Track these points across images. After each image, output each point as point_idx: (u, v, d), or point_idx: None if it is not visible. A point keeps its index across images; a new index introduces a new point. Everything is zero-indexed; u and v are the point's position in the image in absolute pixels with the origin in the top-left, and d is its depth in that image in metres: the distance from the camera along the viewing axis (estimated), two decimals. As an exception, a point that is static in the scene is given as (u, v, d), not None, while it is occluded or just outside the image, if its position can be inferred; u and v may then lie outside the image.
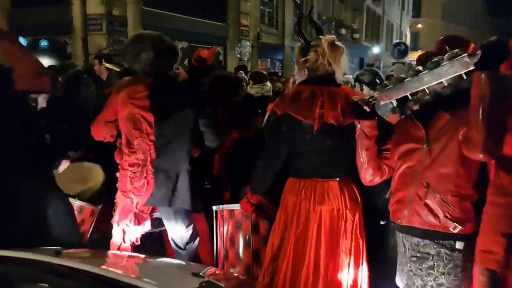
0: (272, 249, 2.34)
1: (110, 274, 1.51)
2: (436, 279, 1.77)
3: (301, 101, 2.18)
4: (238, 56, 12.36)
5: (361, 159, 2.03)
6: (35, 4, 11.10)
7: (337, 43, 2.25)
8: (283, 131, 2.22)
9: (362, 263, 2.29)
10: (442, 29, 44.44)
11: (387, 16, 31.52)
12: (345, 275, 2.24)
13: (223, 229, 2.83)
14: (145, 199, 2.66)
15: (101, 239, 3.12)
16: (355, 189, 2.30)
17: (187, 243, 2.80)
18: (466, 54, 1.58)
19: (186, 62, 3.53)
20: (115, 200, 2.82)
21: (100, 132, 2.75)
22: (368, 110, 1.89)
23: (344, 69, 2.32)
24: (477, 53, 1.54)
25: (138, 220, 2.75)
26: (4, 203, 2.26)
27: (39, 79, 2.48)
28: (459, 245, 1.73)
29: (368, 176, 2.05)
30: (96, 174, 3.45)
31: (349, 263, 2.25)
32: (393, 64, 13.83)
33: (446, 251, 1.75)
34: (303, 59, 2.26)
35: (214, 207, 2.86)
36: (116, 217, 2.76)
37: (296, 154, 2.28)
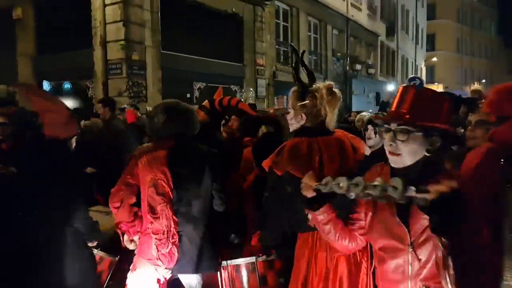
0: None
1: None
2: None
3: (299, 157, 2.14)
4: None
5: (331, 238, 1.80)
6: (59, 50, 11.61)
7: (335, 90, 2.26)
8: (286, 189, 2.17)
9: None
10: (457, 62, 44.57)
11: (401, 51, 31.81)
12: None
13: (230, 285, 2.77)
14: (172, 265, 2.62)
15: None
16: None
17: None
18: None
19: (206, 103, 3.60)
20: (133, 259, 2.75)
21: (119, 197, 2.69)
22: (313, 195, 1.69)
23: (335, 117, 2.30)
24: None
25: (160, 286, 2.70)
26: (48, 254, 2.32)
27: (68, 125, 2.56)
28: None
29: (346, 243, 1.79)
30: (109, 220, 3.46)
31: None
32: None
33: None
34: (300, 104, 2.24)
35: (223, 262, 2.81)
36: (134, 282, 2.68)
37: (302, 208, 2.23)
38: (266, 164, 2.27)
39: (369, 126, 3.04)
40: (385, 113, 3.63)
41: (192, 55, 12.52)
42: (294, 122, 2.32)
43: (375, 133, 2.96)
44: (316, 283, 2.18)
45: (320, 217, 1.74)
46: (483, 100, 2.66)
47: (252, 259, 2.73)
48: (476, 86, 6.93)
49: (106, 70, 11.05)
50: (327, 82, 2.28)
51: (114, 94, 10.99)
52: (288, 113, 2.38)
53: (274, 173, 2.20)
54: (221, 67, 13.68)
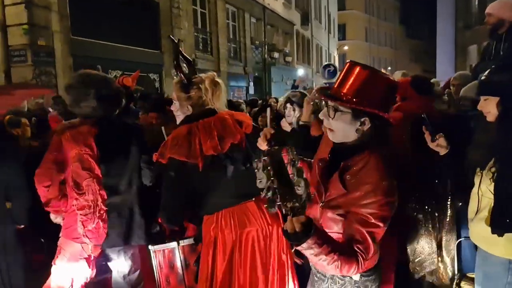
0: (206, 286, 2.29)
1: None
2: None
3: (180, 143, 2.21)
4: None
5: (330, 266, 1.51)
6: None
7: (217, 79, 2.37)
8: (174, 176, 2.23)
9: (288, 279, 2.33)
10: (366, 50, 47.62)
11: (315, 40, 33.12)
12: None
13: (159, 269, 2.80)
14: (100, 241, 2.58)
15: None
16: None
17: (128, 274, 2.79)
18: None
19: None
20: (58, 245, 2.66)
21: (48, 176, 2.59)
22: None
23: (223, 102, 2.39)
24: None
25: (89, 265, 2.64)
26: None
27: None
28: (356, 277, 1.72)
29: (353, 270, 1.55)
30: None
31: (276, 281, 2.29)
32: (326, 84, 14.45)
33: (339, 276, 1.71)
34: (185, 96, 2.32)
35: (150, 247, 2.82)
36: (62, 264, 2.60)
37: (199, 193, 2.29)
38: (154, 158, 2.31)
39: (288, 105, 3.22)
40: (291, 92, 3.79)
41: (106, 42, 11.89)
42: (180, 114, 2.37)
43: (293, 110, 3.14)
44: (221, 263, 2.24)
45: (308, 252, 1.43)
46: None
47: (173, 244, 2.76)
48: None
49: (7, 57, 10.07)
50: (210, 73, 2.38)
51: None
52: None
53: (160, 163, 2.25)
54: (138, 54, 13.17)
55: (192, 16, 16.54)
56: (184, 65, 2.45)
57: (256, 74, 21.93)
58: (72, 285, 2.61)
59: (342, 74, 1.66)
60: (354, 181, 1.61)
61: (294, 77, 25.03)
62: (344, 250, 1.51)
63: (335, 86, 1.65)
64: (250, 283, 2.21)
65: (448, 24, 16.69)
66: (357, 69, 1.62)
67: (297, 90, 4.04)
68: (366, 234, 1.53)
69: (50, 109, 6.95)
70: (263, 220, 2.24)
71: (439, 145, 2.16)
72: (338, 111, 1.63)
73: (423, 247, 2.86)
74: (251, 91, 20.51)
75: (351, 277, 1.70)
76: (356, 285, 1.71)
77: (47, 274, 2.67)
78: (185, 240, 2.77)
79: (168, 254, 2.75)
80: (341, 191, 1.62)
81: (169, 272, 2.76)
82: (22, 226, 3.04)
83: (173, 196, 2.27)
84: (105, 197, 2.58)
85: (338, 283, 1.74)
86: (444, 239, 2.89)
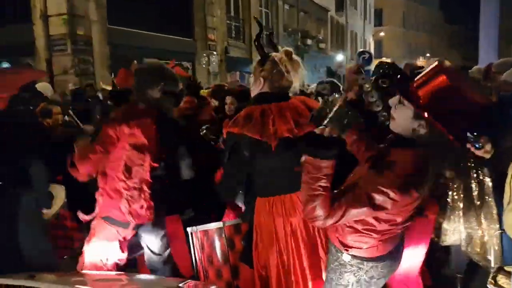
0: (259, 270, 2.34)
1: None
2: (328, 272, 1.92)
3: (253, 121, 2.19)
4: (204, 66, 12.26)
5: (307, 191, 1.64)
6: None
7: (294, 56, 2.28)
8: (242, 152, 2.23)
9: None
10: (403, 36, 46.16)
11: (350, 26, 32.42)
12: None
13: (200, 250, 2.85)
14: (141, 221, 2.68)
15: (74, 260, 3.06)
16: None
17: (160, 253, 2.89)
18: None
19: None
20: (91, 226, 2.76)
21: (90, 163, 2.64)
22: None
23: (302, 80, 2.32)
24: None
25: (122, 248, 2.73)
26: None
27: None
28: (345, 256, 1.82)
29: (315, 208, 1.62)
30: (61, 195, 3.58)
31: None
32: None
33: (334, 249, 1.86)
34: (260, 69, 2.28)
35: (188, 229, 2.89)
36: (95, 245, 2.70)
37: (260, 173, 2.28)
38: (224, 130, 2.35)
39: (319, 98, 3.16)
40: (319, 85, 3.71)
41: (141, 30, 12.12)
42: (254, 88, 2.34)
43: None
44: (276, 247, 2.27)
45: (318, 162, 1.57)
46: None
47: (219, 224, 2.80)
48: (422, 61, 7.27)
49: (49, 47, 10.46)
50: (286, 48, 2.31)
51: (59, 72, 10.47)
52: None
53: (233, 137, 2.25)
54: (171, 42, 13.35)
55: (225, 4, 16.56)
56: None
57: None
58: (105, 265, 2.71)
59: (426, 76, 1.65)
60: (383, 165, 1.64)
61: (327, 64, 24.69)
62: (330, 198, 1.59)
63: (416, 84, 1.66)
64: (301, 272, 2.23)
65: (492, 7, 15.82)
66: (441, 80, 1.60)
67: (327, 80, 3.96)
68: (349, 207, 1.58)
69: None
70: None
71: (486, 152, 2.13)
72: (402, 104, 1.68)
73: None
74: (284, 78, 20.38)
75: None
76: (353, 266, 1.80)
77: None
78: (231, 221, 2.82)
79: (212, 235, 2.81)
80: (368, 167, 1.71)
81: (212, 252, 2.82)
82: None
83: (236, 171, 2.30)
84: (150, 182, 2.66)
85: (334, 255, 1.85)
86: (486, 228, 2.80)
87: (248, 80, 17.79)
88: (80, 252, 2.81)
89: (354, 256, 1.79)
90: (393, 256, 1.84)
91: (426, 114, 1.58)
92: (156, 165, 2.67)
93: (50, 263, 2.87)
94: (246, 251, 2.45)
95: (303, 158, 1.62)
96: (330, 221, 1.60)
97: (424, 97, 1.61)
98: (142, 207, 2.65)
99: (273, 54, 2.29)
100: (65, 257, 3.66)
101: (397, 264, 1.91)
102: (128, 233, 2.72)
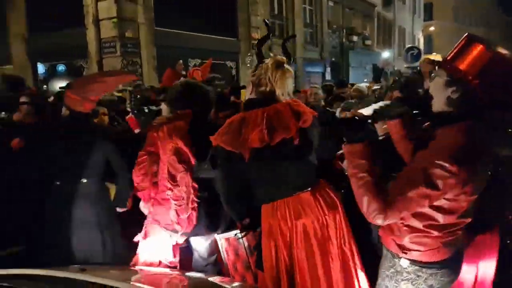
0: (272, 276, 2.30)
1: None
2: (383, 279, 1.81)
3: (231, 131, 2.20)
4: (248, 66, 12.27)
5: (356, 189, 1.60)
6: (51, 29, 11.47)
7: (285, 66, 2.27)
8: (223, 166, 2.26)
9: (355, 265, 2.27)
10: (455, 31, 44.05)
11: (398, 22, 31.39)
12: (340, 281, 2.23)
13: (226, 256, 2.87)
14: (189, 229, 2.74)
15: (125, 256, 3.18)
16: (330, 192, 2.27)
17: (207, 257, 2.95)
18: None
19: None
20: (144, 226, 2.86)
21: (144, 166, 2.80)
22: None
23: (287, 91, 2.28)
24: None
25: (174, 252, 2.81)
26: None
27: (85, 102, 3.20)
28: (403, 262, 1.71)
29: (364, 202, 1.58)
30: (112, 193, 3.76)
31: (341, 268, 2.24)
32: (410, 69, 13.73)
33: (391, 254, 1.76)
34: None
35: (216, 236, 2.91)
36: (149, 248, 2.79)
37: (252, 181, 2.27)
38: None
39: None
40: (380, 81, 3.67)
41: (186, 31, 12.38)
42: (246, 92, 2.39)
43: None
44: (281, 251, 2.23)
45: (351, 157, 1.58)
46: None
47: (237, 231, 2.78)
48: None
49: (100, 49, 10.95)
50: (278, 57, 2.30)
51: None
52: None
53: (214, 149, 2.29)
54: (216, 42, 13.54)
55: (268, 3, 16.57)
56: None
57: (333, 59, 21.43)
58: (158, 265, 2.79)
59: (460, 48, 1.60)
60: (430, 144, 1.58)
61: (373, 61, 24.04)
62: (381, 186, 1.53)
63: (449, 58, 1.62)
64: (309, 273, 2.20)
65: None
66: (477, 46, 1.54)
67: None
68: (406, 191, 1.49)
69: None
70: (319, 210, 2.19)
71: None
72: (435, 76, 1.64)
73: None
74: (328, 76, 20.11)
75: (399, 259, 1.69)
76: (411, 273, 1.68)
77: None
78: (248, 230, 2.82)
79: (232, 242, 2.83)
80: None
81: (235, 259, 2.84)
82: (123, 209, 3.36)
83: (226, 186, 2.30)
84: (197, 189, 2.70)
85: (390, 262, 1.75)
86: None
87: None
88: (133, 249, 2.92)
89: (412, 262, 1.68)
90: (453, 264, 1.72)
91: (460, 78, 1.53)
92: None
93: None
94: (259, 257, 2.42)
95: (341, 151, 1.63)
96: (390, 214, 1.51)
97: (463, 66, 1.55)
98: (190, 216, 2.69)
99: (266, 61, 2.29)
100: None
101: (456, 275, 1.78)
102: (179, 239, 2.78)
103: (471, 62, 1.53)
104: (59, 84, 8.58)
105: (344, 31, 22.21)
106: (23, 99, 3.75)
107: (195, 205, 2.69)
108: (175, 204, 2.68)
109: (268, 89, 2.24)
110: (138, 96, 6.82)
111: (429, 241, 1.63)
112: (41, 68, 12.66)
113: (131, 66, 10.88)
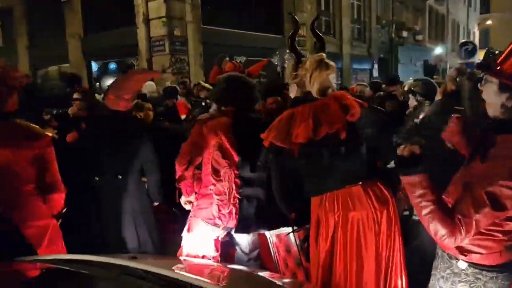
0: (317, 267, 2.31)
1: (182, 277, 1.57)
2: (438, 280, 1.76)
3: (281, 127, 2.22)
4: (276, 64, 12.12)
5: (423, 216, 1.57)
6: (104, 29, 11.98)
7: (327, 61, 2.23)
8: (275, 162, 2.29)
9: (400, 262, 2.24)
10: (515, 24, 41.42)
11: (451, 15, 29.98)
12: (387, 277, 2.22)
13: (276, 253, 2.89)
14: (231, 225, 2.77)
15: (169, 247, 3.27)
16: (382, 188, 2.22)
17: (249, 253, 2.96)
18: None
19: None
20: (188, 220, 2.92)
21: (187, 158, 2.87)
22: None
23: (331, 86, 2.26)
24: None
25: (216, 246, 2.85)
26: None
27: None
28: (461, 264, 1.64)
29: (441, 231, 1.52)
30: None
31: (388, 266, 2.21)
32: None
33: (448, 256, 1.71)
34: (293, 74, 2.31)
35: (266, 233, 2.91)
36: (192, 241, 2.84)
37: (303, 175, 2.29)
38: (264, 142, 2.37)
39: (410, 95, 3.00)
40: (433, 78, 3.53)
41: (232, 29, 12.50)
42: (291, 93, 2.40)
43: (417, 101, 2.93)
44: (323, 244, 2.23)
45: (412, 189, 1.54)
46: None
47: (290, 229, 2.78)
48: None
49: (149, 47, 11.29)
50: (315, 56, 2.27)
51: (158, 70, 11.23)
52: None
53: (263, 146, 2.33)
54: (261, 39, 13.58)
55: (315, -2, 16.39)
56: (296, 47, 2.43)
57: (381, 55, 20.83)
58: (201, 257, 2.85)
59: (508, 49, 1.54)
60: (493, 156, 1.52)
61: (424, 57, 23.10)
62: (446, 210, 1.51)
63: (499, 61, 1.55)
64: (354, 267, 2.17)
65: None
66: None
67: (421, 78, 3.74)
68: (472, 213, 1.46)
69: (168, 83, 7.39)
70: (369, 205, 2.16)
71: None
72: (487, 81, 1.59)
73: None
74: (375, 73, 19.58)
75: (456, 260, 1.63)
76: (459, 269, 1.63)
77: (179, 240, 2.98)
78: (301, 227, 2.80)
79: (284, 239, 2.83)
80: (477, 161, 1.58)
81: (286, 256, 2.85)
82: (157, 203, 3.44)
83: (279, 181, 2.34)
84: (239, 185, 2.73)
85: (446, 263, 1.69)
86: None
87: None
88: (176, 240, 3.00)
89: (471, 264, 1.61)
90: None
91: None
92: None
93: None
94: (308, 250, 2.44)
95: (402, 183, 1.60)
96: (459, 237, 1.49)
97: (503, 66, 1.50)
98: (231, 212, 2.73)
99: (305, 59, 2.29)
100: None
101: None
102: (221, 234, 2.82)
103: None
104: (110, 82, 8.95)
105: (394, 26, 21.53)
106: (75, 95, 4.14)
107: (237, 201, 2.72)
108: (217, 199, 2.72)
109: (311, 89, 2.26)
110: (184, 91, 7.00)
111: (492, 244, 1.56)
112: (94, 66, 13.27)
113: (178, 64, 11.14)
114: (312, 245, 2.34)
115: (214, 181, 2.73)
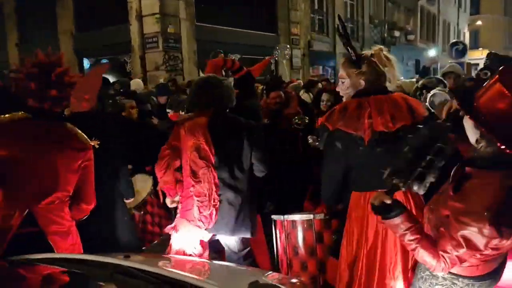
0: (347, 264, 2.28)
1: (175, 275, 1.55)
2: (418, 280, 1.79)
3: (348, 114, 2.19)
4: (276, 59, 12.06)
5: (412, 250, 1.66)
6: (97, 26, 11.87)
7: (386, 52, 2.29)
8: (337, 147, 2.23)
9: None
10: (505, 25, 41.87)
11: (442, 16, 30.23)
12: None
13: (285, 239, 2.84)
14: (211, 226, 2.74)
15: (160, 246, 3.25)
16: (421, 196, 2.17)
17: (238, 252, 2.93)
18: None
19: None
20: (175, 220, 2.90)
21: (166, 161, 2.81)
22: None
23: (398, 76, 2.32)
24: None
25: (202, 246, 2.82)
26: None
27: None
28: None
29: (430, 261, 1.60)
30: (148, 185, 3.87)
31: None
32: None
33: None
34: (357, 71, 2.26)
35: (274, 217, 2.89)
36: (178, 240, 2.82)
37: (355, 167, 2.24)
38: (320, 121, 2.36)
39: (424, 91, 3.03)
40: (426, 79, 3.53)
41: (226, 26, 12.47)
42: (351, 91, 2.33)
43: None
44: (366, 246, 2.20)
45: (396, 221, 1.61)
46: None
47: (309, 216, 2.79)
48: None
49: (143, 44, 11.22)
50: (378, 46, 2.31)
51: (151, 68, 11.17)
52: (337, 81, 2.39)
53: (326, 129, 2.26)
54: (255, 37, 13.55)
55: (309, -3, 16.41)
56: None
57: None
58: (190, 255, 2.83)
59: (486, 87, 1.50)
60: (467, 191, 1.51)
61: (416, 57, 23.33)
62: (431, 243, 1.58)
63: (477, 96, 1.51)
64: (389, 269, 2.15)
65: None
66: (498, 85, 1.43)
67: (433, 77, 3.79)
68: (453, 251, 1.51)
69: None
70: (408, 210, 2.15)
71: None
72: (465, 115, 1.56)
73: None
74: (368, 72, 19.66)
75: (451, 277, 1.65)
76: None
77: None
78: (320, 214, 2.80)
79: (300, 226, 2.80)
80: (451, 192, 1.58)
81: (298, 244, 2.82)
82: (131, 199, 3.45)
83: (333, 171, 2.30)
84: (219, 186, 2.70)
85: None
86: None
87: (330, 74, 17.47)
88: (167, 238, 2.98)
89: (449, 272, 1.63)
90: (494, 276, 1.65)
91: (481, 127, 1.45)
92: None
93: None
94: (337, 245, 2.41)
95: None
96: (449, 267, 1.56)
97: (483, 108, 1.45)
98: (211, 214, 2.70)
99: (367, 53, 2.28)
100: (155, 242, 3.90)
101: (495, 283, 1.70)
102: (206, 235, 2.79)
103: (488, 103, 1.44)
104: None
105: (386, 25, 21.64)
106: None
107: (217, 202, 2.70)
108: (198, 201, 2.70)
109: (383, 80, 2.27)
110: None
111: (470, 259, 1.57)
112: (86, 63, 13.15)
113: (172, 61, 11.09)
114: (349, 238, 2.30)
115: (193, 183, 2.71)
